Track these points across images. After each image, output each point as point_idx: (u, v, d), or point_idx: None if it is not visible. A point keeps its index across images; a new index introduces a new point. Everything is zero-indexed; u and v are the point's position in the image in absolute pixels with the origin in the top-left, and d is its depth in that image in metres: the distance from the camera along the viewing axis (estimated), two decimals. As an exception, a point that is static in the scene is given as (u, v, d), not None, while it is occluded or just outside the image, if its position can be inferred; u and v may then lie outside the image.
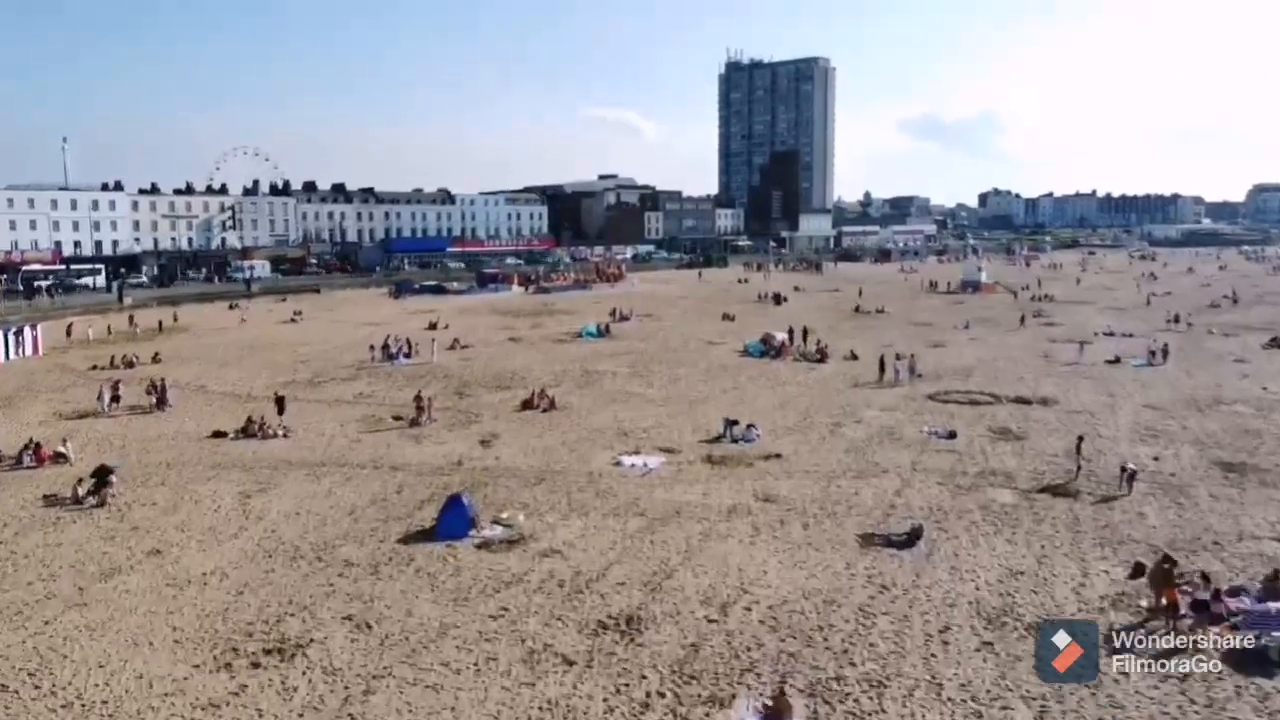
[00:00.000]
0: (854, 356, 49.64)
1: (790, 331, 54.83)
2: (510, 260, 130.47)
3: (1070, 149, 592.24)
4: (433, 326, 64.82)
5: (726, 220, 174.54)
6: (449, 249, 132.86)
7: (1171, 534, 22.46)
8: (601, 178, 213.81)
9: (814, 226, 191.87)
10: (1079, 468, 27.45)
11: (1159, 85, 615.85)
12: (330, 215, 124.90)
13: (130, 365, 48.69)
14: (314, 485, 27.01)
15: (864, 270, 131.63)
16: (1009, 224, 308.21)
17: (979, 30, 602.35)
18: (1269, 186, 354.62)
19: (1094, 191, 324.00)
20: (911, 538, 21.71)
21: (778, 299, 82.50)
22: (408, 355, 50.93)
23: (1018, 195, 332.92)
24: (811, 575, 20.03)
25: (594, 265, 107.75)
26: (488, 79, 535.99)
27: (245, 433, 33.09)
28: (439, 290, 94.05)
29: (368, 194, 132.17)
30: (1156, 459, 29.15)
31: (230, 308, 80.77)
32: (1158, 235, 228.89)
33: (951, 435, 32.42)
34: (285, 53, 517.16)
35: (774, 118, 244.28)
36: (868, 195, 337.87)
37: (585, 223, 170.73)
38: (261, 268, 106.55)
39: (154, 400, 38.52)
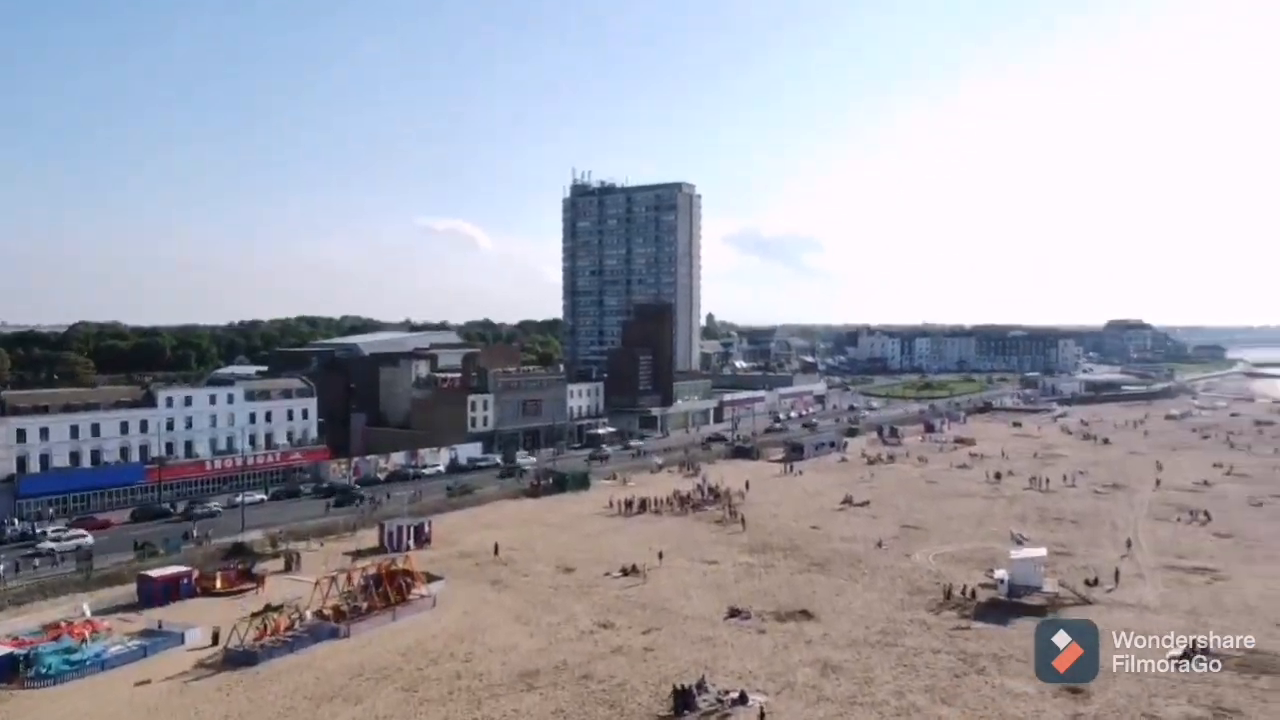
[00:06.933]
0: None
1: None
2: (248, 498, 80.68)
3: (890, 268, 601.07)
4: None
5: (581, 399, 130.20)
6: (141, 481, 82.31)
7: None
8: (415, 329, 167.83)
9: (689, 393, 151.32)
10: None
11: (976, 209, 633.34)
12: (-99, 445, 71.70)
13: None
14: None
15: (785, 491, 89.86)
16: (884, 367, 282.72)
17: (799, 150, 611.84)
18: (1131, 324, 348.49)
19: (972, 333, 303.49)
20: None
21: (686, 699, 38.52)
22: None
23: (891, 335, 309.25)
24: None
25: (369, 577, 56.16)
26: (320, 189, 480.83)
27: None
28: (11, 668, 44.32)
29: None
30: None
31: None
32: (1063, 389, 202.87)
33: None
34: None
35: (629, 252, 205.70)
36: (711, 319, 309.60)
37: (386, 403, 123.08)
38: None
39: None
